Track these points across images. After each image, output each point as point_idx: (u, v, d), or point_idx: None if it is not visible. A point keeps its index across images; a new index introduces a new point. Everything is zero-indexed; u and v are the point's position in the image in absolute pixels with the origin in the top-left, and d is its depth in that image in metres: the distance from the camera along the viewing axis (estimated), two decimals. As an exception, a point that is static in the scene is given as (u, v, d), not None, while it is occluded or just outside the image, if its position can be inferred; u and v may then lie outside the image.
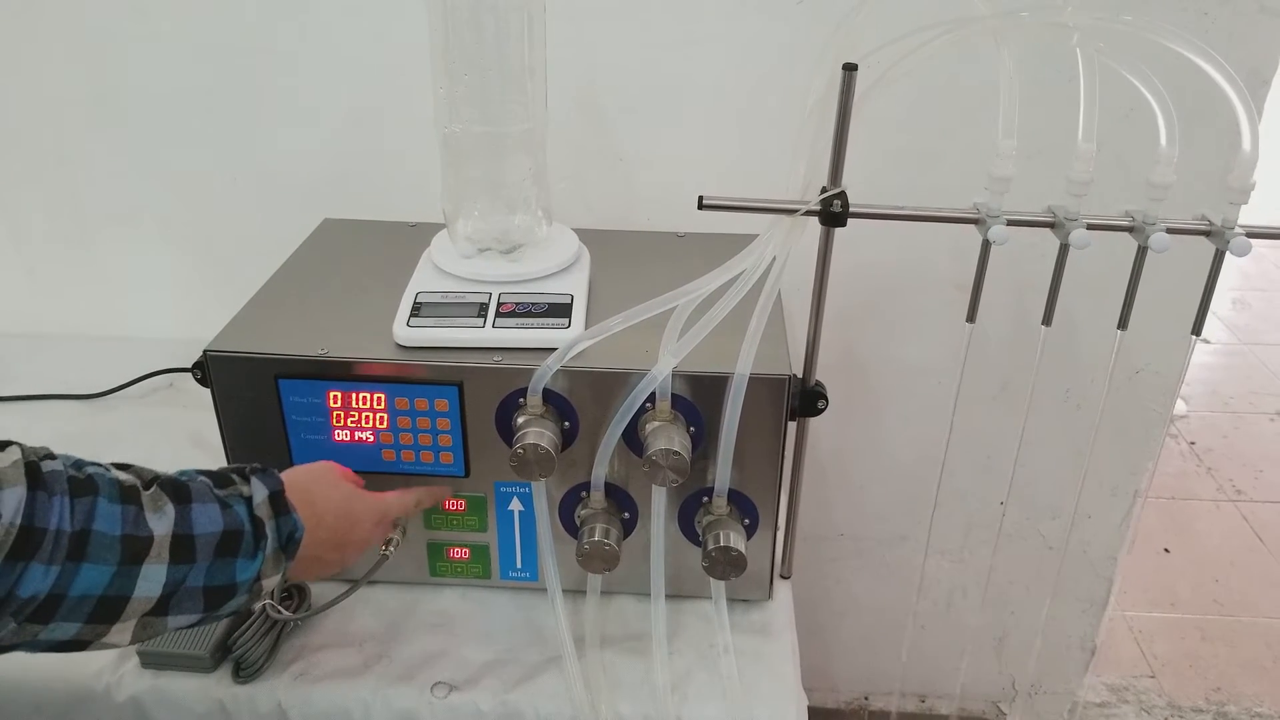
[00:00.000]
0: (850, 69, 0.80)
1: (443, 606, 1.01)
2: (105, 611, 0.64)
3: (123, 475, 0.68)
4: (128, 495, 0.66)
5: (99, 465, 0.67)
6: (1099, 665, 1.79)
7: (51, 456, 0.65)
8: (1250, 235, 0.82)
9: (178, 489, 0.69)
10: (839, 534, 1.60)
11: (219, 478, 0.74)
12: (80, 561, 0.62)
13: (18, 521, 0.58)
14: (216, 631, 0.92)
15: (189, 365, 0.93)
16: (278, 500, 0.75)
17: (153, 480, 0.69)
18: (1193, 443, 2.73)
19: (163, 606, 0.67)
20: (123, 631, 0.66)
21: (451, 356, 0.91)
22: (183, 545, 0.67)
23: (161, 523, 0.66)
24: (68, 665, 0.91)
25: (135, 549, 0.64)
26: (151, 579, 0.65)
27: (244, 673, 0.91)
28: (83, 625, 0.63)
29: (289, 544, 0.75)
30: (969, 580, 1.63)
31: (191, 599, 0.68)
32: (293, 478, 0.79)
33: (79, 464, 0.66)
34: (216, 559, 0.69)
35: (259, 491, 0.74)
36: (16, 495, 0.59)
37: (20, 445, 0.63)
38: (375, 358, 0.91)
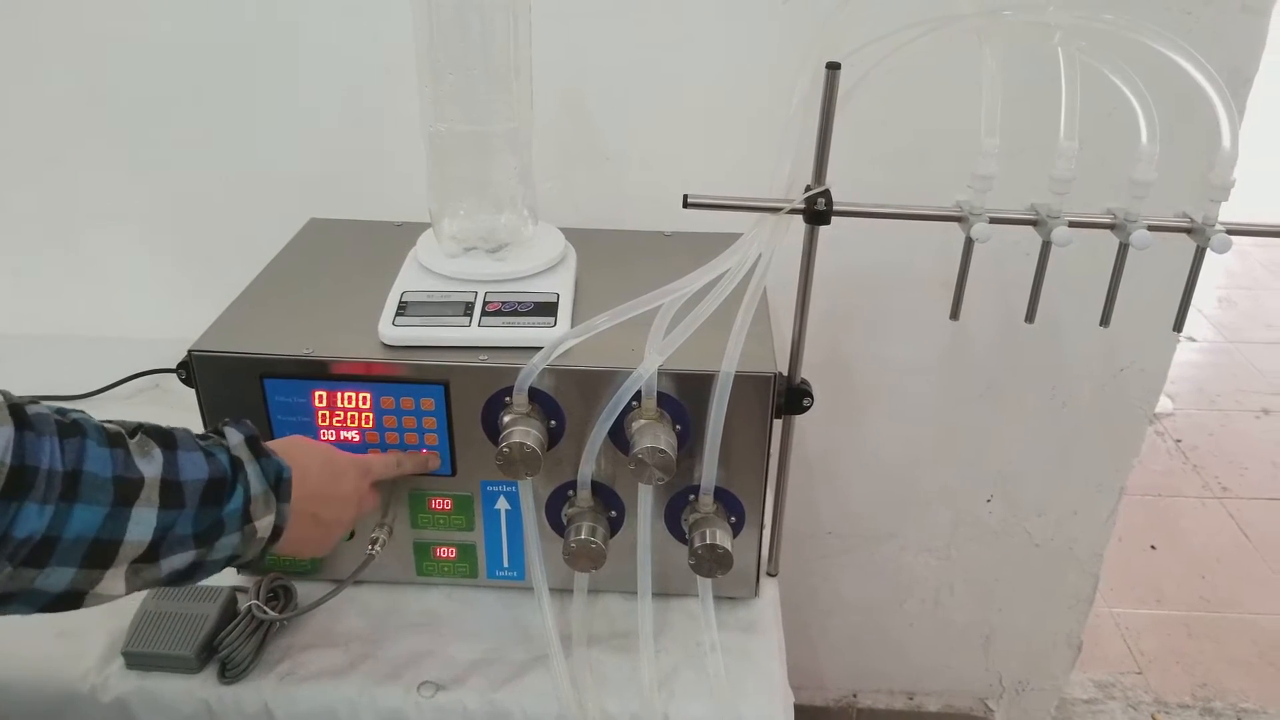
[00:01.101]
0: (834, 68, 0.81)
1: (429, 606, 1.01)
2: (99, 555, 0.64)
3: (107, 423, 0.68)
4: (114, 440, 0.66)
5: (81, 411, 0.67)
6: (1086, 662, 1.80)
7: (35, 401, 0.64)
8: (1231, 232, 0.83)
9: (164, 436, 0.70)
10: (826, 532, 1.61)
11: (201, 435, 0.75)
12: (74, 502, 0.61)
13: (8, 460, 0.58)
14: (202, 632, 0.91)
15: (174, 366, 0.92)
16: (254, 443, 0.76)
17: (137, 428, 0.69)
18: (1179, 440, 2.74)
19: (153, 552, 0.67)
20: (116, 578, 0.66)
21: (437, 355, 0.91)
22: (171, 490, 0.67)
23: (150, 466, 0.67)
24: (54, 665, 0.91)
25: (126, 491, 0.65)
26: (143, 523, 0.65)
27: (230, 673, 0.91)
28: (77, 571, 0.63)
29: (278, 484, 0.75)
30: (956, 578, 1.63)
31: (181, 543, 0.68)
32: (270, 441, 0.80)
33: (61, 410, 0.66)
34: (203, 505, 0.69)
35: (234, 436, 0.76)
36: (4, 435, 0.58)
37: (4, 391, 0.62)
38: (361, 357, 0.91)
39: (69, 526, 0.61)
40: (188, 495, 0.68)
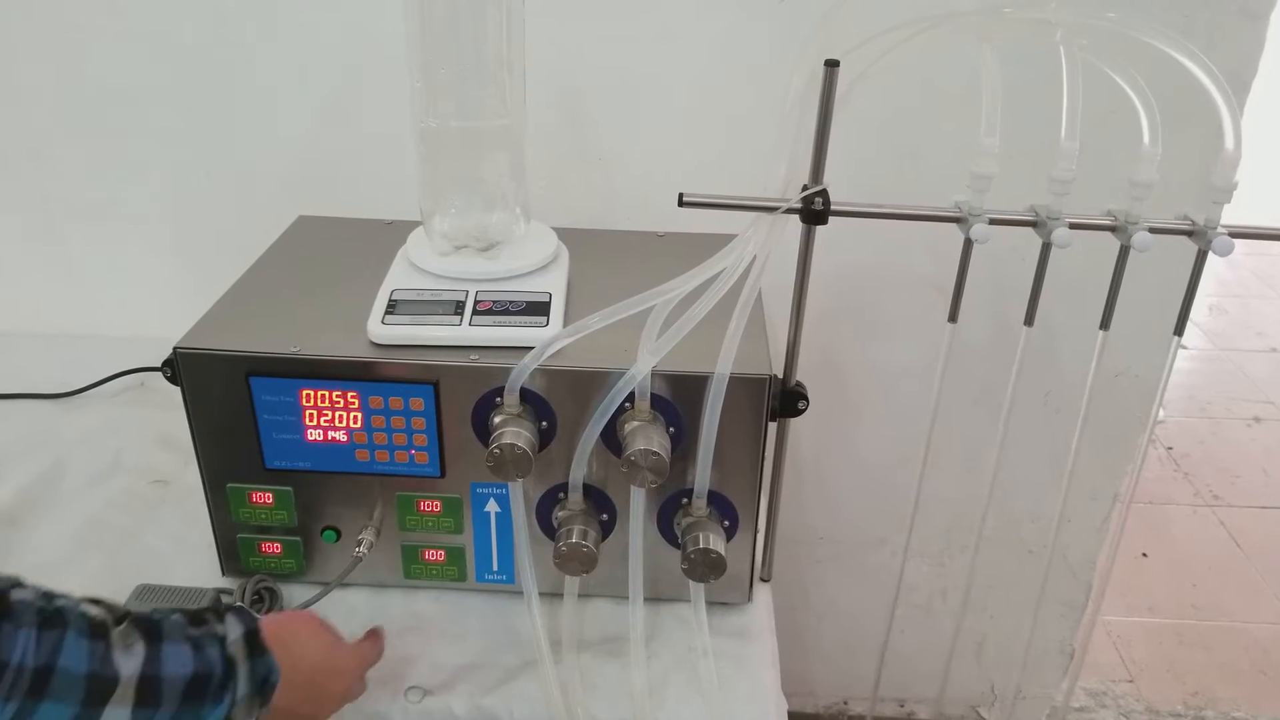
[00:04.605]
0: (832, 65, 0.80)
1: (417, 609, 1.00)
2: None
3: (93, 610, 0.65)
4: (96, 631, 0.63)
5: (69, 598, 0.64)
6: (1077, 670, 1.79)
7: (20, 585, 0.62)
8: (1233, 235, 0.82)
9: (150, 627, 0.67)
10: (818, 537, 1.60)
11: (194, 616, 0.71)
12: (40, 699, 0.59)
13: None
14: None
15: (160, 364, 0.91)
16: (253, 639, 0.72)
17: (124, 616, 0.66)
18: (1170, 448, 2.74)
19: None
20: None
21: (427, 355, 0.89)
22: (149, 687, 0.64)
23: (130, 662, 0.64)
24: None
25: (101, 689, 0.62)
26: None
27: (213, 677, 0.89)
28: None
29: (264, 687, 0.72)
30: (948, 584, 1.62)
31: None
32: (271, 624, 0.76)
33: (49, 595, 0.63)
34: (184, 704, 0.66)
35: (234, 629, 0.72)
36: None
37: None
38: (349, 356, 0.89)
39: None
40: (166, 692, 0.65)
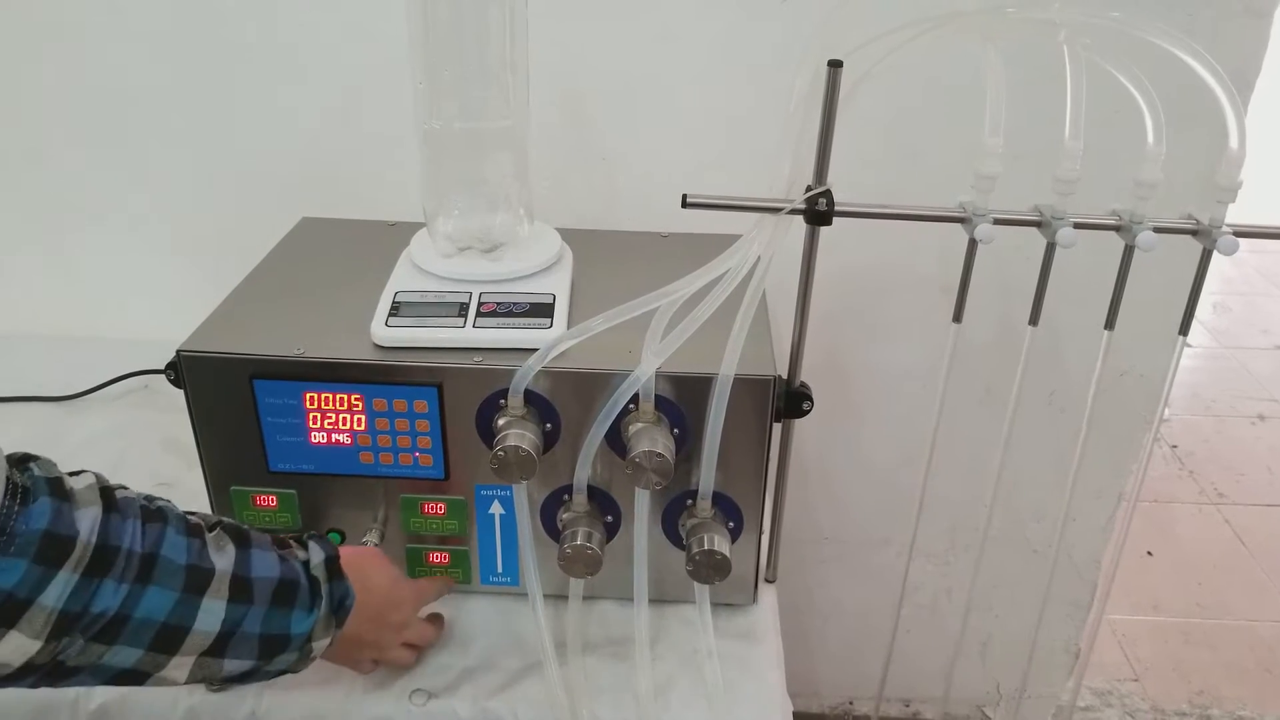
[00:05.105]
0: (835, 65, 0.79)
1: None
2: (166, 640, 0.66)
3: (190, 514, 0.71)
4: (193, 530, 0.69)
5: (168, 501, 0.70)
6: (1083, 669, 1.79)
7: (124, 488, 0.67)
8: (1237, 234, 0.82)
9: (239, 534, 0.73)
10: (823, 537, 1.60)
11: (279, 540, 0.77)
12: (147, 584, 0.64)
13: (93, 540, 0.61)
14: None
15: (163, 366, 0.91)
16: (333, 565, 0.78)
17: (216, 524, 0.72)
18: (1175, 446, 2.74)
19: (220, 646, 0.69)
20: (181, 667, 0.68)
21: (431, 357, 0.89)
22: (241, 585, 0.70)
23: (223, 559, 0.69)
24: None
25: (198, 579, 0.67)
26: (211, 613, 0.68)
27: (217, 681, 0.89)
28: (144, 653, 0.65)
29: (340, 609, 0.77)
30: (953, 584, 1.62)
31: (247, 643, 0.70)
32: (346, 555, 0.81)
33: (150, 497, 0.69)
34: (273, 606, 0.72)
35: (316, 554, 0.78)
36: (92, 515, 0.62)
37: (96, 474, 0.66)
38: (353, 358, 0.89)
39: (140, 606, 0.63)
40: (257, 592, 0.71)
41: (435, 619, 0.96)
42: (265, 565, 0.72)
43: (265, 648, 0.72)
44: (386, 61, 1.14)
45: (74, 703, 0.89)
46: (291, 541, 0.78)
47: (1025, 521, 1.54)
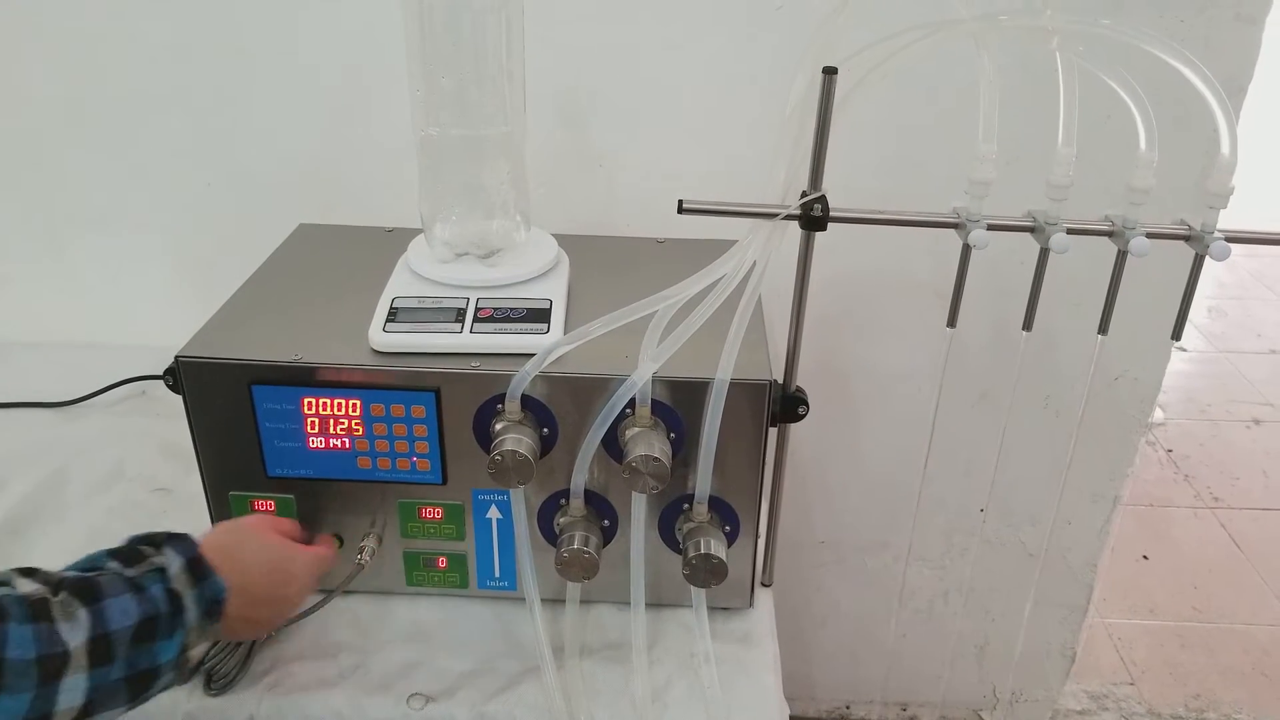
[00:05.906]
0: (830, 72, 0.80)
1: (419, 616, 1.00)
2: None
3: (30, 587, 0.65)
4: (38, 611, 0.63)
5: (4, 584, 0.65)
6: (1078, 672, 1.79)
7: None
8: (1229, 239, 0.83)
9: (87, 588, 0.67)
10: (819, 541, 1.60)
11: (130, 554, 0.72)
12: None
13: None
14: (188, 643, 0.90)
15: (161, 372, 0.91)
16: (195, 566, 0.73)
17: (59, 584, 0.66)
18: (1170, 450, 2.74)
19: (88, 709, 0.65)
20: None
21: (428, 362, 0.90)
22: (101, 645, 0.65)
23: (76, 632, 0.64)
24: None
25: (52, 667, 0.62)
26: (74, 690, 0.64)
27: (216, 685, 0.89)
28: None
29: (212, 607, 0.74)
30: (950, 587, 1.62)
31: (116, 694, 0.67)
32: (217, 538, 0.78)
33: None
34: (135, 647, 0.67)
35: (174, 561, 0.73)
36: None
37: None
38: (351, 364, 0.89)
39: None
40: (117, 645, 0.66)
41: (325, 539, 0.95)
42: (121, 613, 0.67)
43: (136, 688, 0.68)
44: (384, 68, 1.15)
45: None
46: (146, 550, 0.73)
47: (1021, 525, 1.55)
